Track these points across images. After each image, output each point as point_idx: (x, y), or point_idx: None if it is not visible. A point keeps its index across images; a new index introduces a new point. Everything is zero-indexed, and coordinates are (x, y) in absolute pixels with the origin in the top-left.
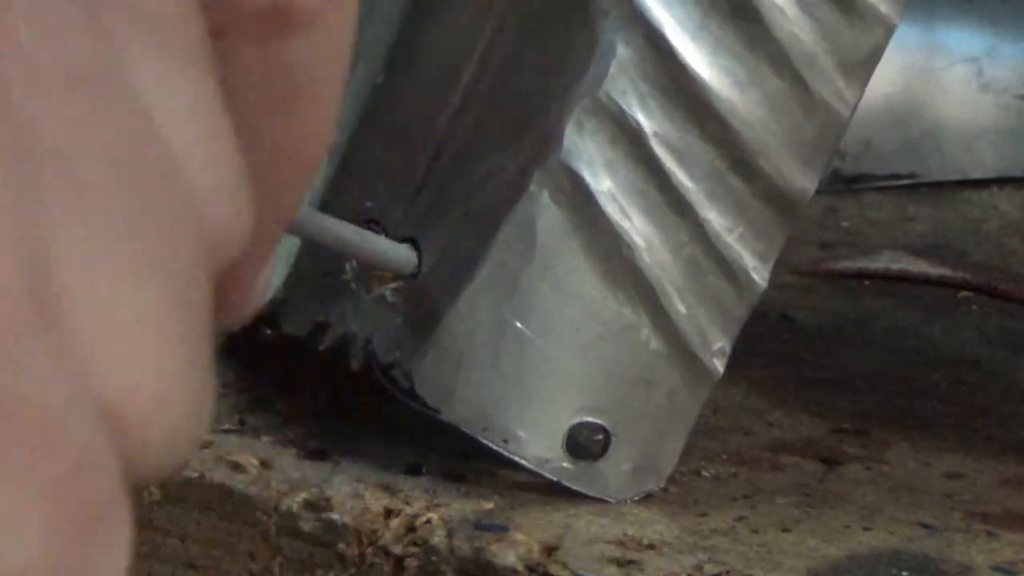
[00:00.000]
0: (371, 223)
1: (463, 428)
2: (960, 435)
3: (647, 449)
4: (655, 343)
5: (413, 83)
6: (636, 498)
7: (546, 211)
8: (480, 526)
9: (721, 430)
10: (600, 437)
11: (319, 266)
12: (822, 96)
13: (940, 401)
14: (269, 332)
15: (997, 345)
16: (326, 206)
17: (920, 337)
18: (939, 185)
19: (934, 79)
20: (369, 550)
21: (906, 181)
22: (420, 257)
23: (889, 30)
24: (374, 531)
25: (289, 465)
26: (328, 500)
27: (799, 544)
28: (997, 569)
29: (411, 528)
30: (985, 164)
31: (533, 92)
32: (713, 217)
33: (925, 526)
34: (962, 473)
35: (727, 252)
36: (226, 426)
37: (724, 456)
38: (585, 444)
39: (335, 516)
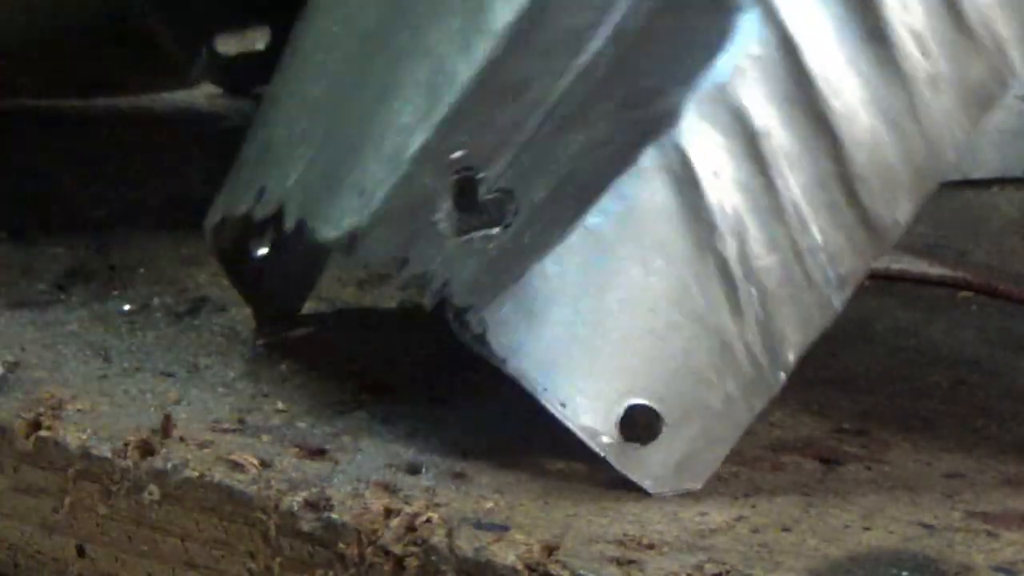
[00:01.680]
0: (466, 169)
1: (524, 383)
2: (960, 435)
3: (693, 448)
4: (726, 343)
5: (533, 44)
6: (670, 493)
7: (651, 188)
8: (480, 525)
9: None
10: (652, 424)
11: (409, 203)
12: (937, 125)
13: (940, 401)
14: (343, 260)
15: (997, 345)
16: (427, 149)
17: (920, 337)
18: (939, 185)
19: None
20: (369, 550)
21: None
22: (517, 208)
23: (1010, 65)
24: (374, 531)
25: (289, 465)
26: (328, 500)
27: (799, 544)
28: (997, 569)
29: (411, 528)
30: (985, 164)
31: (656, 71)
32: (810, 231)
33: (925, 526)
34: (962, 473)
35: (815, 268)
36: (226, 426)
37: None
38: (637, 427)
39: (335, 516)
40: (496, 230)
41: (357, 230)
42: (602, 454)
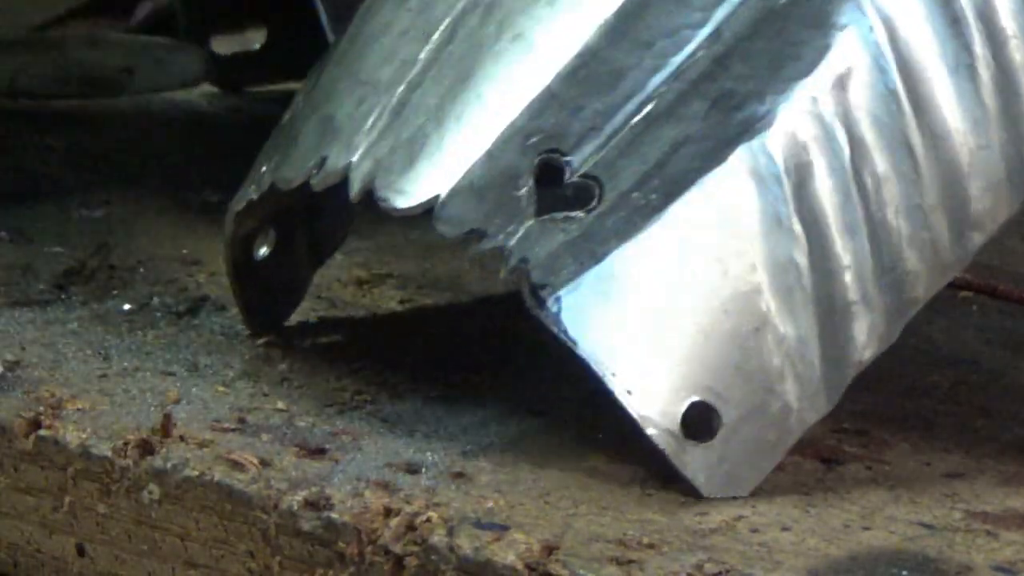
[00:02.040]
0: (552, 152)
1: (593, 366)
2: (960, 435)
3: (746, 453)
4: (793, 353)
5: (633, 36)
6: (720, 496)
7: (737, 189)
8: (480, 525)
9: None
10: (711, 423)
11: (492, 179)
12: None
13: (940, 401)
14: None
15: (997, 345)
16: (515, 128)
17: (920, 337)
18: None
19: None
20: (369, 549)
21: None
22: (601, 193)
23: None
24: (374, 530)
25: (289, 464)
26: (328, 499)
27: (799, 543)
28: (997, 569)
29: (411, 527)
30: None
31: (753, 76)
32: (889, 251)
33: (925, 526)
34: (962, 473)
35: (887, 289)
36: (226, 425)
37: None
38: (698, 425)
39: (335, 515)
40: (579, 213)
41: (435, 201)
42: (661, 447)
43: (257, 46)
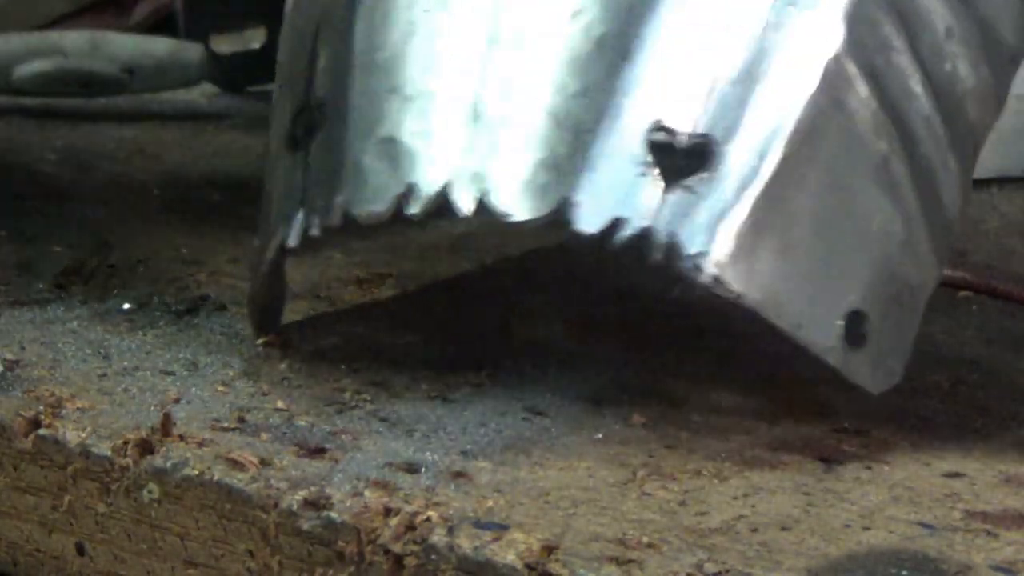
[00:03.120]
0: (662, 129)
1: (762, 313)
2: (960, 435)
3: (892, 344)
4: (908, 237)
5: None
6: (886, 388)
7: (841, 116)
8: (480, 524)
9: (721, 429)
10: (864, 326)
11: (613, 167)
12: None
13: (940, 401)
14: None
15: (997, 345)
16: (618, 115)
17: (920, 337)
18: None
19: None
20: (368, 548)
21: None
22: (718, 148)
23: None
24: (373, 529)
25: (289, 463)
26: (328, 498)
27: (799, 543)
28: (997, 569)
29: (410, 526)
30: (985, 164)
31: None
32: (966, 108)
33: (925, 526)
34: (962, 473)
35: (957, 145)
36: (226, 424)
37: (724, 455)
38: (855, 332)
39: (334, 514)
40: (704, 174)
41: (563, 203)
42: (835, 366)
43: (257, 46)
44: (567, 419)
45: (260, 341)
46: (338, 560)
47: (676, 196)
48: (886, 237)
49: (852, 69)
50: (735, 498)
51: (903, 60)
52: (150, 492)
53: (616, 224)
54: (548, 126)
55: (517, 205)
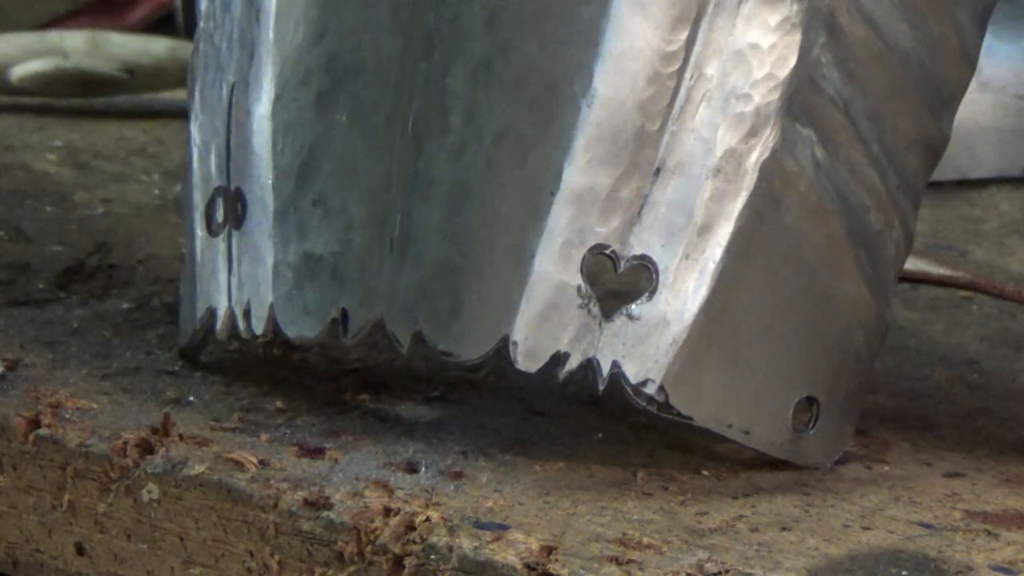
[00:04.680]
0: (594, 249)
1: (712, 428)
2: (960, 435)
3: (844, 411)
4: (854, 309)
5: (621, 102)
6: (836, 459)
7: (766, 206)
8: (479, 525)
9: None
10: (814, 408)
11: (550, 301)
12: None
13: (940, 401)
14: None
15: (997, 345)
16: (556, 237)
17: (920, 337)
18: (939, 185)
19: None
20: (368, 548)
21: None
22: (656, 269)
23: None
24: (373, 529)
25: (288, 463)
26: (327, 498)
27: (799, 543)
28: (997, 569)
29: (410, 526)
30: (985, 164)
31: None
32: (888, 177)
33: (925, 526)
34: (962, 473)
35: (896, 206)
36: (226, 424)
37: (724, 455)
38: (802, 418)
39: (334, 514)
40: (643, 299)
41: (505, 343)
42: (787, 458)
43: None
44: (567, 419)
45: (260, 341)
46: (338, 560)
47: (617, 324)
48: (833, 316)
49: (791, 164)
50: (735, 498)
51: (844, 137)
52: (150, 492)
53: (557, 358)
54: (468, 257)
55: (455, 343)
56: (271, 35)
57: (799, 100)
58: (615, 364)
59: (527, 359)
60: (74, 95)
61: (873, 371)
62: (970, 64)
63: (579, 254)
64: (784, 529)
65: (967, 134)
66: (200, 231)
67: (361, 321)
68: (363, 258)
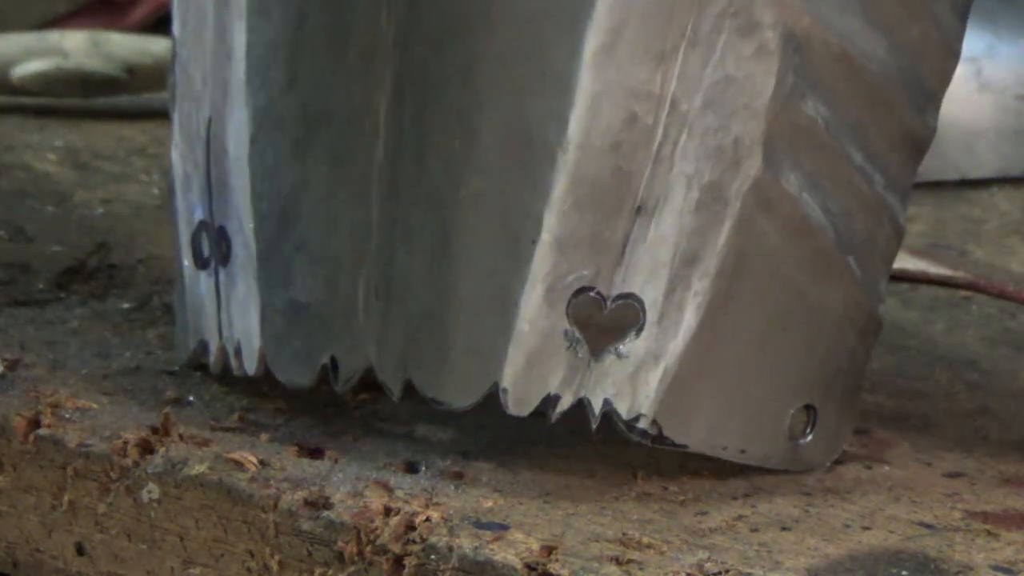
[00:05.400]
0: (580, 291)
1: (709, 453)
2: (960, 435)
3: (841, 410)
4: (842, 312)
5: (597, 145)
6: (835, 458)
7: (750, 232)
8: (479, 524)
9: None
10: (810, 416)
11: (538, 344)
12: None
13: (940, 401)
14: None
15: (997, 345)
16: (541, 283)
17: (920, 337)
18: (939, 185)
19: None
20: (368, 548)
21: None
22: (643, 306)
23: None
24: (373, 529)
25: (288, 463)
26: (327, 498)
27: (799, 543)
28: (997, 569)
29: (410, 526)
30: (985, 164)
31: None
32: (874, 180)
33: (925, 526)
34: (962, 473)
35: (884, 205)
36: (225, 424)
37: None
38: (799, 426)
39: (334, 514)
40: (631, 336)
41: (495, 390)
42: (783, 468)
43: None
44: (567, 419)
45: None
46: (338, 560)
47: (606, 363)
48: (824, 324)
49: (773, 190)
50: (735, 498)
51: (826, 154)
52: (150, 492)
53: (548, 400)
54: (452, 305)
55: (445, 392)
56: (243, 76)
57: (778, 125)
58: (606, 402)
59: (518, 405)
60: (74, 95)
61: (871, 368)
62: (954, 55)
63: (564, 298)
64: (784, 529)
65: (967, 134)
66: (187, 261)
67: (351, 369)
68: (348, 305)
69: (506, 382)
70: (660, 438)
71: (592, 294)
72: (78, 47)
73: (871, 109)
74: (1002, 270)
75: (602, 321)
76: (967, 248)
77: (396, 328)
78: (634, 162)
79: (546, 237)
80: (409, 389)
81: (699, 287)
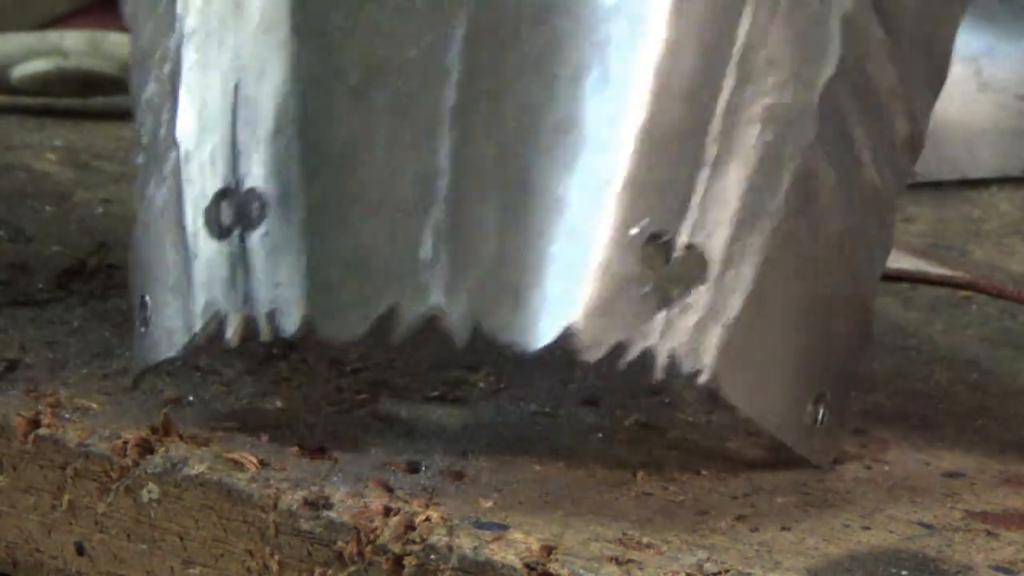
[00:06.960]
0: (652, 237)
1: (759, 422)
2: (960, 435)
3: (842, 409)
4: (852, 308)
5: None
6: (833, 456)
7: (809, 193)
8: (479, 524)
9: (721, 429)
10: (821, 405)
11: (611, 288)
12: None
13: (940, 401)
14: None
15: (997, 345)
16: (617, 226)
17: (920, 337)
18: (939, 185)
19: None
20: (368, 548)
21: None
22: (708, 257)
23: None
24: (373, 529)
25: (288, 463)
26: (327, 498)
27: (799, 543)
28: (997, 569)
29: (410, 526)
30: (985, 164)
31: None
32: (885, 176)
33: (925, 526)
34: (962, 473)
35: (878, 182)
36: (225, 424)
37: (724, 455)
38: (817, 414)
39: (334, 514)
40: (698, 287)
41: (566, 332)
42: (802, 453)
43: None
44: (567, 419)
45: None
46: (338, 560)
47: (673, 313)
48: (840, 316)
49: (820, 162)
50: (735, 498)
51: (858, 132)
52: (150, 492)
53: (617, 349)
54: (529, 247)
55: (518, 335)
56: (286, 31)
57: (831, 101)
58: (671, 353)
59: (590, 349)
60: (74, 95)
61: (871, 368)
62: (941, 81)
63: (638, 242)
64: (784, 529)
65: (967, 134)
66: (196, 239)
67: (413, 317)
68: (411, 252)
69: (579, 325)
70: (715, 397)
71: (662, 241)
72: (78, 47)
73: (892, 99)
74: (1002, 270)
75: (671, 270)
76: (967, 248)
77: (466, 273)
78: (705, 112)
79: (622, 180)
80: (477, 334)
81: (756, 248)
